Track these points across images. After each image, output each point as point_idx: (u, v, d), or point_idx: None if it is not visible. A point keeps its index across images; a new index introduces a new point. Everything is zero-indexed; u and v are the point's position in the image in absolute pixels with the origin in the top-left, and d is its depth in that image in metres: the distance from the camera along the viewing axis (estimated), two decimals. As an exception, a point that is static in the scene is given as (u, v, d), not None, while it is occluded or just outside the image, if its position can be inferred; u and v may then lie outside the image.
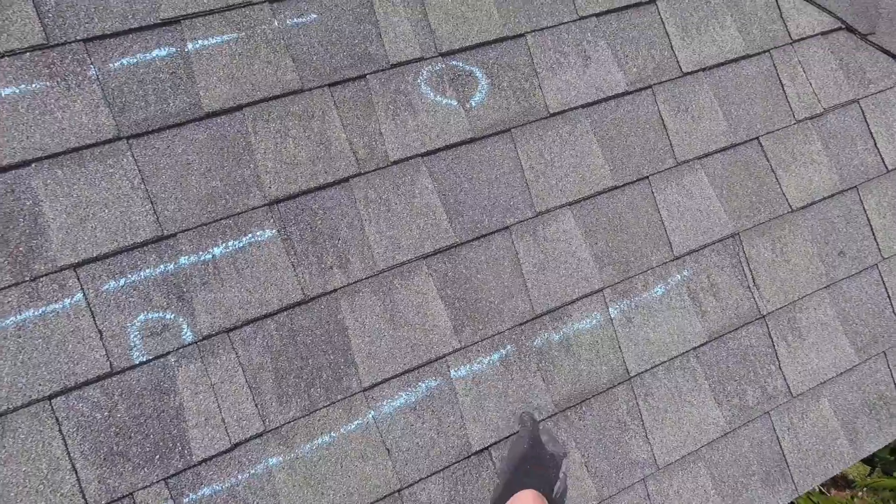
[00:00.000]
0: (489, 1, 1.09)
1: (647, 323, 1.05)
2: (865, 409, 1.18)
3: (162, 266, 0.87)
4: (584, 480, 1.00)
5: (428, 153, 1.01)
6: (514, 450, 0.89)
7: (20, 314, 0.81)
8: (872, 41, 1.27)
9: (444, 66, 1.05)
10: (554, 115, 1.09)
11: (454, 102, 1.04)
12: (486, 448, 0.94)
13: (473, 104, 1.05)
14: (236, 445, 0.85)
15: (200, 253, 0.89)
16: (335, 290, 0.93)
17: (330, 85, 0.99)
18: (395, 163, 0.99)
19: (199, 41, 0.94)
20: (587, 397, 1.00)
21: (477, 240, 1.00)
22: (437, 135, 1.01)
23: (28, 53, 0.87)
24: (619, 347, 1.03)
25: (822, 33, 1.26)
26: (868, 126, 1.25)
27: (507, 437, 0.95)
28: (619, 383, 1.02)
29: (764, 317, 1.13)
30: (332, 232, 0.95)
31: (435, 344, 0.95)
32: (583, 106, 1.11)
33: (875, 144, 1.24)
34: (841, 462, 1.15)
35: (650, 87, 1.16)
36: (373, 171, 0.98)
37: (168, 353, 0.85)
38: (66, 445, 0.80)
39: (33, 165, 0.85)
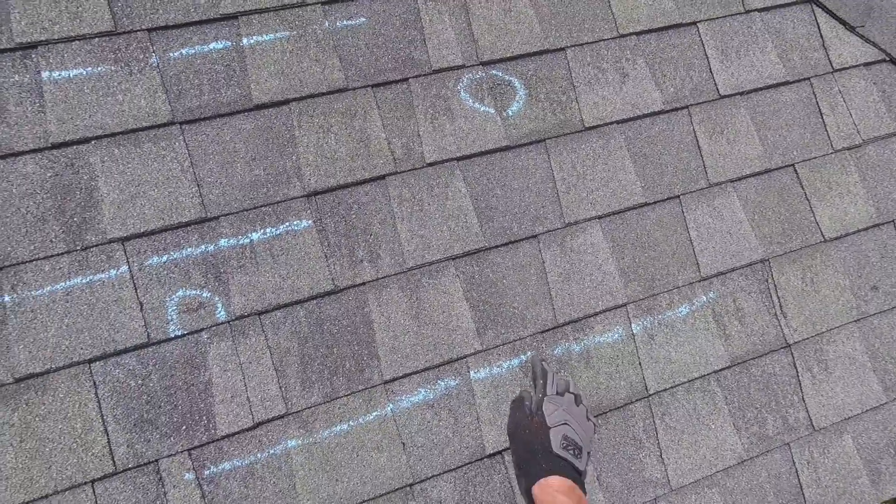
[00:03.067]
0: (531, 14, 1.11)
1: (670, 342, 1.04)
2: (891, 450, 1.13)
3: (203, 246, 0.91)
4: (595, 494, 0.99)
5: (463, 158, 1.03)
6: (511, 427, 0.78)
7: (69, 280, 0.86)
8: (918, 76, 1.25)
9: (484, 74, 1.07)
10: (589, 128, 1.10)
11: (492, 110, 1.06)
12: (500, 452, 0.95)
13: (510, 113, 1.07)
14: (258, 424, 0.88)
15: (240, 237, 0.92)
16: (364, 284, 0.95)
17: (373, 86, 1.02)
18: (431, 164, 1.01)
19: (255, 37, 0.98)
20: (604, 411, 0.99)
21: (505, 245, 1.02)
22: (474, 140, 1.03)
23: (97, 39, 0.92)
24: (640, 364, 1.02)
25: (865, 64, 1.24)
26: (909, 161, 1.22)
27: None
28: (636, 400, 1.01)
29: (790, 346, 1.10)
30: (366, 227, 0.97)
31: (457, 344, 0.96)
32: (618, 122, 1.11)
33: (915, 180, 1.21)
34: (861, 502, 1.11)
35: (686, 107, 1.16)
36: (408, 170, 1.00)
37: (202, 329, 0.89)
38: (100, 408, 0.84)
39: (93, 143, 0.90)
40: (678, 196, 1.11)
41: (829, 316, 1.13)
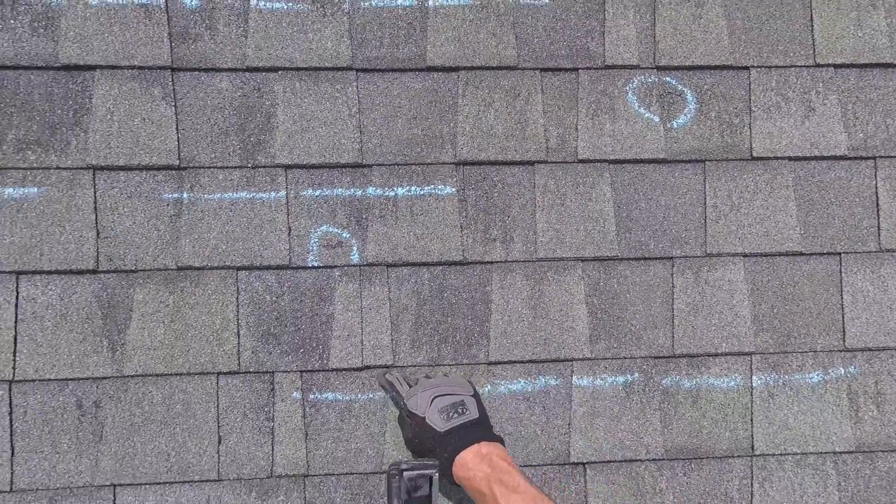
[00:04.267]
0: (722, 25, 1.02)
1: (791, 406, 0.96)
2: None
3: (352, 190, 0.95)
4: (666, 534, 0.94)
5: (616, 161, 0.98)
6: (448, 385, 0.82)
7: (236, 192, 0.93)
8: None
9: (656, 79, 1.01)
10: (756, 158, 1.00)
11: (656, 118, 1.00)
12: (583, 464, 0.93)
13: (675, 125, 1.00)
14: (365, 367, 0.92)
15: (386, 189, 0.95)
16: (491, 263, 0.95)
17: (542, 69, 1.00)
18: (582, 161, 0.98)
19: (441, 0, 0.99)
20: (701, 456, 0.94)
21: (637, 260, 0.97)
22: (630, 146, 0.98)
23: (303, -24, 0.98)
24: (751, 419, 0.95)
25: None
26: None
27: (606, 462, 0.93)
28: (738, 455, 0.94)
29: (929, 448, 0.97)
30: (505, 207, 0.97)
31: (567, 345, 0.94)
32: (790, 158, 1.01)
33: None
34: None
35: (874, 158, 1.02)
36: (558, 162, 0.98)
37: (335, 266, 0.93)
38: (237, 312, 0.92)
39: (280, 73, 0.96)
40: (839, 253, 1.00)
41: None
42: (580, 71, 1.01)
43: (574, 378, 0.94)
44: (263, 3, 0.96)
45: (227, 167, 0.94)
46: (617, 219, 0.97)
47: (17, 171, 0.90)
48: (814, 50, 1.03)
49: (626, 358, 0.95)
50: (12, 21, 0.91)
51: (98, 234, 0.91)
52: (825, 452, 0.95)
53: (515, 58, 0.99)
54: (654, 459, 0.93)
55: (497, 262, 0.95)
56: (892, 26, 1.05)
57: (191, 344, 0.91)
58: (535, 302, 0.95)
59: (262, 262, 0.93)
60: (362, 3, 0.99)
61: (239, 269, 0.93)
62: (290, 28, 0.97)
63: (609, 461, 0.93)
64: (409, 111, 0.98)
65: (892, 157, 1.03)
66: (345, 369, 0.92)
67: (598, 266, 0.97)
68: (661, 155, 0.99)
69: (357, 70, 0.97)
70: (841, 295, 0.99)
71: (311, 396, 0.92)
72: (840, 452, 0.95)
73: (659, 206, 0.99)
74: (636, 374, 0.95)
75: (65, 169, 0.91)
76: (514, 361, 0.93)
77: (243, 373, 0.92)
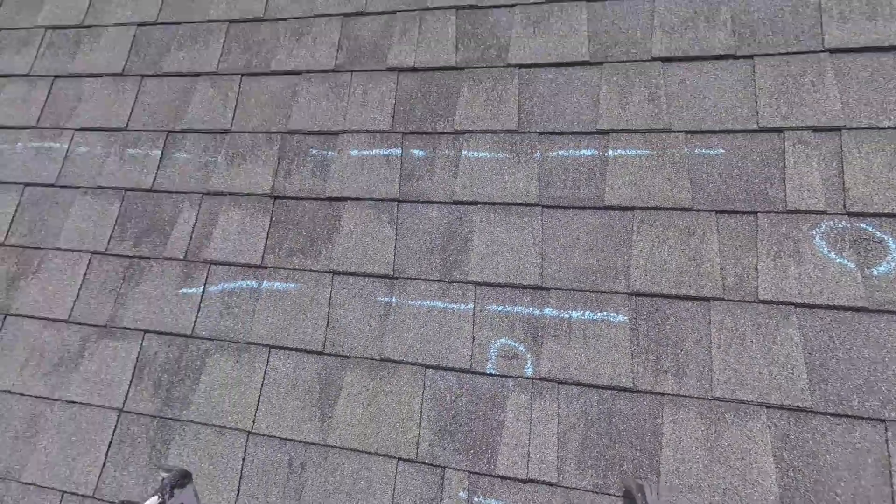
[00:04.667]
0: (926, 174, 0.98)
1: None
2: None
3: (531, 309, 1.07)
4: None
5: (804, 305, 0.95)
6: None
7: (433, 301, 1.12)
8: None
9: (848, 225, 0.99)
10: None
11: (851, 265, 0.96)
12: None
13: (876, 273, 0.95)
14: (529, 481, 0.96)
15: (562, 311, 1.05)
16: (662, 394, 0.95)
17: (717, 212, 1.05)
18: (763, 302, 0.97)
19: (619, 150, 1.14)
20: None
21: (838, 417, 0.88)
22: (821, 291, 0.95)
23: (503, 133, 1.22)
24: None
25: None
26: None
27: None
28: None
29: None
30: (678, 340, 0.99)
31: (753, 502, 0.87)
32: None
33: None
34: None
35: None
36: (736, 301, 0.98)
37: (510, 376, 1.03)
38: (422, 405, 1.05)
39: (478, 206, 1.17)
40: None
41: None
42: (759, 214, 1.03)
43: None
44: (472, 153, 1.22)
45: (428, 279, 1.14)
46: (808, 367, 0.91)
47: (284, 271, 1.22)
48: None
49: None
50: (302, 167, 1.31)
51: (328, 323, 1.16)
52: None
53: (690, 200, 1.07)
54: None
55: (669, 394, 0.94)
56: None
57: (381, 427, 1.06)
58: (712, 444, 0.90)
59: (447, 363, 1.06)
60: (550, 154, 1.19)
61: (427, 367, 1.08)
62: (490, 172, 1.19)
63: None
64: (586, 243, 1.10)
65: None
66: (510, 478, 0.96)
67: (788, 416, 0.89)
68: (860, 303, 0.93)
69: (542, 206, 1.14)
70: None
71: (476, 499, 0.97)
72: None
73: (862, 358, 0.91)
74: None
75: (315, 271, 1.21)
76: None
77: (419, 462, 1.02)
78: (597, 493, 0.92)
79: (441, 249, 1.15)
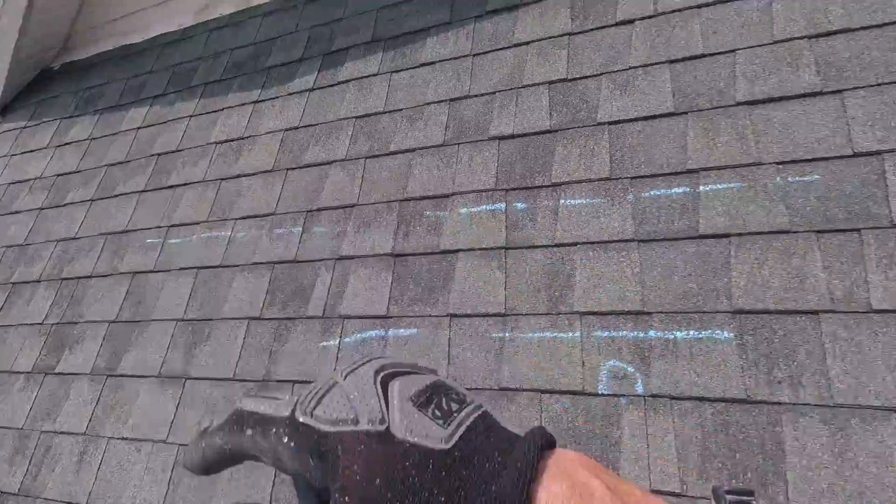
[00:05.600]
0: None
1: None
2: None
3: (636, 332, 1.35)
4: None
5: (923, 311, 1.12)
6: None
7: (543, 333, 1.45)
8: None
9: (963, 232, 1.16)
10: None
11: (971, 270, 1.12)
12: None
13: None
14: (654, 492, 1.16)
15: (666, 332, 1.32)
16: (779, 404, 1.14)
17: (818, 231, 1.29)
18: (878, 311, 1.15)
19: (710, 186, 1.45)
20: None
21: (977, 418, 1.00)
22: (940, 297, 1.12)
23: (597, 181, 1.60)
24: None
25: None
26: None
27: None
28: None
29: None
30: (789, 352, 1.18)
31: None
32: None
33: None
34: None
35: None
36: (848, 312, 1.17)
37: (622, 395, 1.29)
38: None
39: (578, 246, 1.53)
40: None
41: None
42: (863, 230, 1.24)
43: None
44: (569, 201, 1.60)
45: (537, 314, 1.48)
46: (936, 371, 1.06)
47: (408, 318, 1.65)
48: None
49: None
50: (418, 227, 1.79)
51: (449, 361, 1.52)
52: None
53: (788, 224, 1.32)
54: None
55: (786, 403, 1.12)
56: None
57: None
58: (841, 450, 1.05)
59: (560, 387, 1.35)
60: (643, 195, 1.53)
61: (542, 392, 1.37)
62: (587, 216, 1.56)
63: None
64: (685, 270, 1.37)
65: None
66: (633, 491, 1.18)
67: (920, 420, 1.03)
68: None
69: (638, 241, 1.46)
70: None
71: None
72: None
73: None
74: None
75: (434, 316, 1.61)
76: None
77: None
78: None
79: (547, 287, 1.49)
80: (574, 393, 1.33)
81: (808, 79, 1.45)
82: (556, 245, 1.54)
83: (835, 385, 1.11)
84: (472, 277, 1.60)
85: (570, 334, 1.40)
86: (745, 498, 0.72)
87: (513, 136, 1.78)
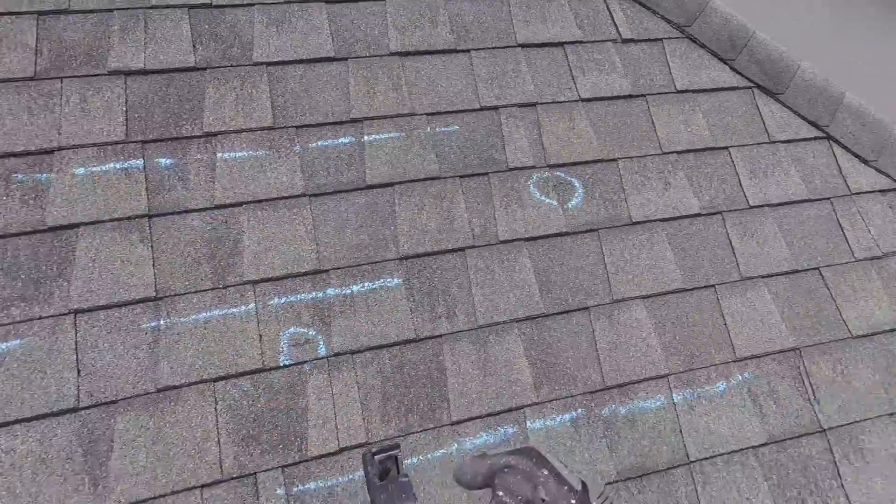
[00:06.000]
0: (590, 132, 1.43)
1: (709, 414, 1.19)
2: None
3: (314, 293, 1.16)
4: (638, 561, 1.08)
5: (530, 239, 1.28)
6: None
7: (209, 312, 1.11)
8: (929, 200, 1.49)
9: (550, 174, 1.37)
10: (636, 223, 1.35)
11: (555, 203, 1.34)
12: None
13: (570, 206, 1.35)
14: (342, 450, 1.05)
15: (343, 288, 1.18)
16: (441, 336, 1.16)
17: (461, 177, 1.33)
18: (503, 242, 1.27)
19: (374, 135, 1.33)
20: (648, 472, 1.11)
21: (561, 314, 1.23)
22: (539, 226, 1.30)
23: (259, 131, 1.28)
24: (681, 431, 1.16)
25: (881, 191, 1.49)
26: (928, 273, 1.41)
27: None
28: (678, 465, 1.13)
29: (825, 430, 1.22)
30: (446, 288, 1.21)
31: (517, 395, 1.13)
32: (661, 220, 1.37)
33: (936, 290, 1.39)
34: None
35: (720, 213, 1.41)
36: (484, 245, 1.26)
37: (305, 361, 1.10)
38: (217, 422, 1.04)
39: (243, 206, 1.21)
40: (713, 285, 1.32)
41: (863, 407, 1.25)
42: (490, 174, 1.34)
43: (528, 423, 1.11)
44: (228, 154, 1.25)
45: (200, 291, 1.13)
46: (539, 283, 1.24)
47: (4, 327, 1.04)
48: (659, 143, 1.45)
49: (567, 397, 1.15)
50: (5, 198, 1.12)
51: (79, 372, 1.04)
52: (745, 448, 1.16)
53: (438, 170, 1.32)
54: (609, 483, 1.10)
55: (446, 334, 1.15)
56: (711, 122, 1.52)
57: (173, 462, 1.00)
58: (484, 363, 1.15)
59: (238, 369, 1.07)
60: (310, 145, 1.30)
61: (216, 380, 1.06)
62: (251, 171, 1.24)
63: (574, 498, 1.09)
64: (356, 222, 1.24)
65: (733, 210, 1.42)
66: (323, 455, 1.04)
67: (531, 324, 1.20)
68: (564, 230, 1.31)
69: (309, 195, 1.25)
70: (723, 317, 1.28)
71: (295, 489, 1.01)
72: (757, 446, 1.17)
73: (570, 268, 1.28)
74: (580, 410, 1.15)
75: (48, 317, 1.06)
76: (474, 418, 1.10)
77: (227, 480, 1.00)
78: (403, 435, 1.08)
79: (209, 258, 1.15)
80: (254, 372, 1.08)
81: (444, 36, 1.45)
82: (217, 207, 1.19)
83: (478, 310, 1.20)
84: (103, 258, 1.11)
85: (244, 307, 1.12)
86: (391, 453, 0.72)
87: (145, 72, 1.27)
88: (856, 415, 1.23)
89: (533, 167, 1.35)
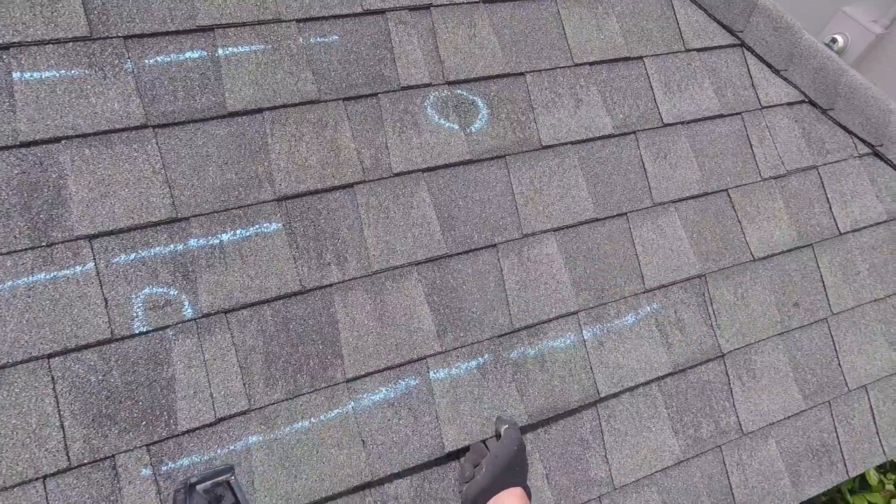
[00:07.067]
0: (494, 41, 1.30)
1: (618, 348, 1.22)
2: (809, 454, 1.35)
3: (172, 246, 1.01)
4: (543, 492, 1.13)
5: (428, 169, 1.19)
6: (503, 450, 1.00)
7: (32, 276, 0.93)
8: (831, 116, 1.54)
9: (449, 93, 1.25)
10: (546, 147, 1.29)
11: (456, 126, 1.23)
12: (459, 450, 1.08)
13: (473, 130, 1.25)
14: (220, 420, 0.97)
15: (209, 237, 1.03)
16: (330, 286, 1.07)
17: (344, 99, 1.17)
18: (398, 175, 1.16)
19: (230, 48, 1.12)
20: (559, 412, 1.15)
21: (466, 253, 1.17)
22: (438, 154, 1.20)
23: (71, 43, 1.03)
24: (591, 369, 1.19)
25: (788, 104, 1.52)
26: (825, 191, 1.49)
27: (481, 441, 1.09)
28: (588, 403, 1.18)
29: (723, 355, 1.31)
30: (334, 231, 1.10)
31: (418, 345, 1.09)
32: (572, 143, 1.31)
33: (830, 209, 1.48)
34: (783, 502, 1.31)
35: (634, 132, 1.37)
36: (376, 180, 1.15)
37: (167, 326, 0.98)
38: (57, 403, 0.91)
39: (63, 142, 0.99)
40: (626, 213, 1.31)
41: (757, 329, 1.35)
42: (380, 95, 1.20)
43: (431, 374, 1.09)
44: (29, 74, 0.99)
45: (15, 251, 0.93)
46: (440, 220, 1.16)
47: None
48: (570, 53, 1.36)
49: (474, 343, 1.13)
50: None
51: None
52: (651, 380, 1.23)
53: (317, 92, 1.15)
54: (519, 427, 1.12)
55: (336, 283, 1.07)
56: (625, 27, 1.44)
57: (4, 456, 0.88)
58: (380, 313, 1.09)
59: (79, 342, 0.93)
60: (146, 61, 1.07)
61: (50, 356, 0.92)
62: (66, 95, 1.01)
63: (481, 441, 1.10)
64: (219, 158, 1.07)
65: (646, 129, 1.39)
66: (197, 428, 0.95)
67: (432, 266, 1.14)
68: (466, 157, 1.22)
69: (154, 126, 1.04)
70: (634, 247, 1.29)
71: (164, 468, 0.93)
72: (662, 377, 1.24)
73: (475, 201, 1.21)
74: (486, 356, 1.13)
75: None
76: (372, 373, 1.05)
77: (76, 467, 0.90)
78: (292, 398, 1.01)
79: (23, 209, 0.95)
80: (101, 343, 0.94)
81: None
82: (25, 144, 0.96)
83: (372, 254, 1.11)
84: None
85: (79, 268, 0.95)
86: (219, 479, 0.70)
87: None
88: (751, 336, 1.33)
89: (429, 84, 1.22)
